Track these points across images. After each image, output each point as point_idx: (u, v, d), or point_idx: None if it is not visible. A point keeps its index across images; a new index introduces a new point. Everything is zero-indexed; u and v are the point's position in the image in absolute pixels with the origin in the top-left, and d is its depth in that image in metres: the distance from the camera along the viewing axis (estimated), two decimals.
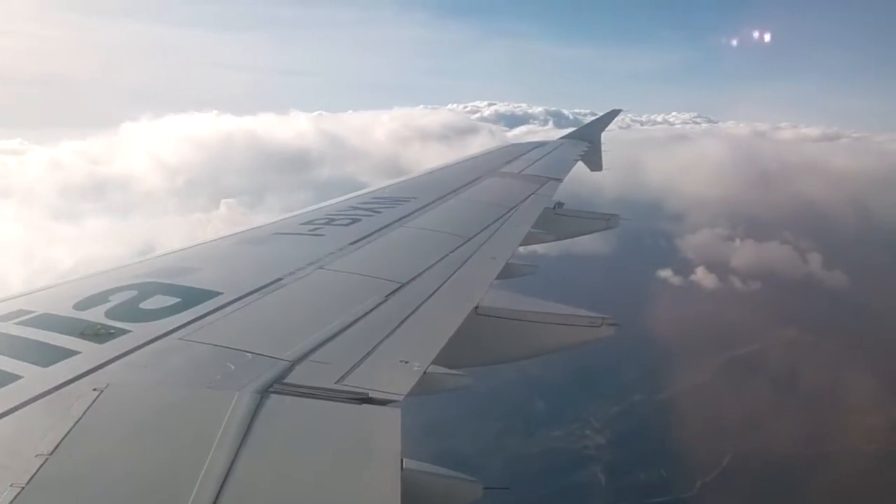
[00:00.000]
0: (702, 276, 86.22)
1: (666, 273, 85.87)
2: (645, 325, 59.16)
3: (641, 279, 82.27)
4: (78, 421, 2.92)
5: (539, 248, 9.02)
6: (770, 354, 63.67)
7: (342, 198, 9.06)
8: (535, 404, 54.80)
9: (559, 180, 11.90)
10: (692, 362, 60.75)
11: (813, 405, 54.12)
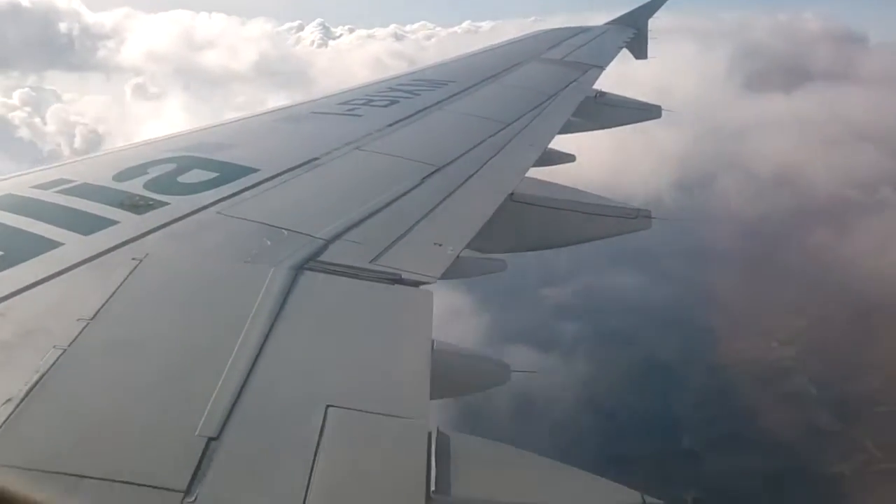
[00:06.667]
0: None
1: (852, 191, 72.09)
2: (819, 241, 53.53)
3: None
4: (118, 288, 2.99)
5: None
6: None
7: (380, 78, 8.90)
8: (701, 319, 48.30)
9: (601, 68, 11.58)
10: (881, 275, 52.01)
11: None
